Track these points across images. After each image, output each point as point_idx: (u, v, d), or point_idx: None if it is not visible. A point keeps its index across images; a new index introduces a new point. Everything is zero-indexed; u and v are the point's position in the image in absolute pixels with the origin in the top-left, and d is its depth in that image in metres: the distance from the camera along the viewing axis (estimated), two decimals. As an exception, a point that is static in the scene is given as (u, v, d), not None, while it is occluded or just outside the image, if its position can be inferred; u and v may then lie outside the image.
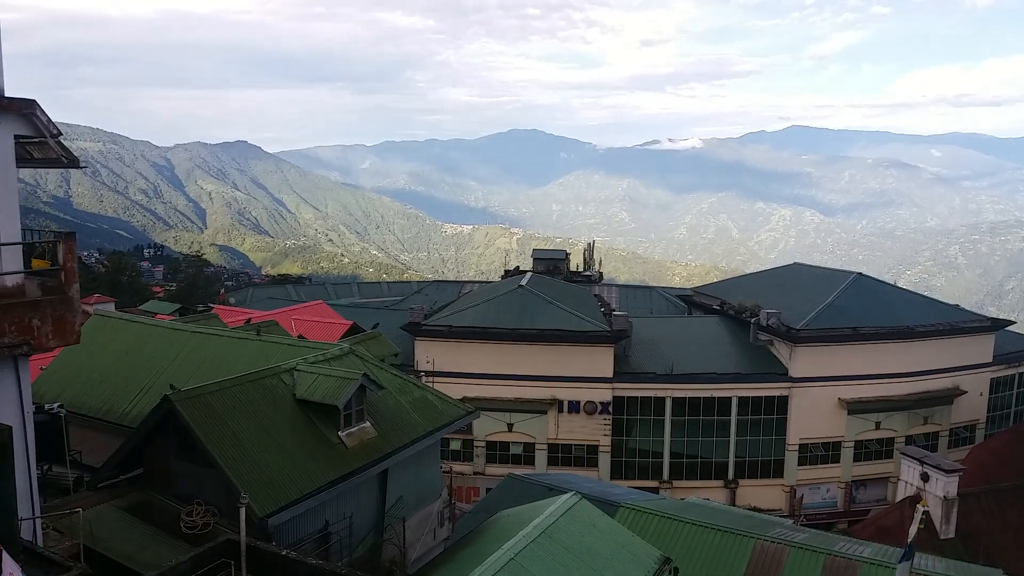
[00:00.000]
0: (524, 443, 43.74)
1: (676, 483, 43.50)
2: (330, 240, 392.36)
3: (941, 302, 55.63)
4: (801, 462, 44.54)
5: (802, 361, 44.30)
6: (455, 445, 43.15)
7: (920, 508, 15.76)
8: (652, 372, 44.44)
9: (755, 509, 35.35)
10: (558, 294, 49.82)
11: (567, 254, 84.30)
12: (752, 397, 43.99)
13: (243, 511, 13.00)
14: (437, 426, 20.01)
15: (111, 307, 41.40)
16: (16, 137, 11.97)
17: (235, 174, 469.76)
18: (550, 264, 76.93)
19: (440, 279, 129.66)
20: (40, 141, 12.70)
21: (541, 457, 43.58)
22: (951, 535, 25.88)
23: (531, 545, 13.81)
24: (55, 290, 12.02)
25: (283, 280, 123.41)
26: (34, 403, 13.53)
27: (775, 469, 44.57)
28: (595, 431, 43.37)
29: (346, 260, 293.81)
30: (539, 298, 46.82)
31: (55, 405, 17.35)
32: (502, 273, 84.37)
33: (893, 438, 45.01)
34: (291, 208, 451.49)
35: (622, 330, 44.61)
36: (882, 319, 45.76)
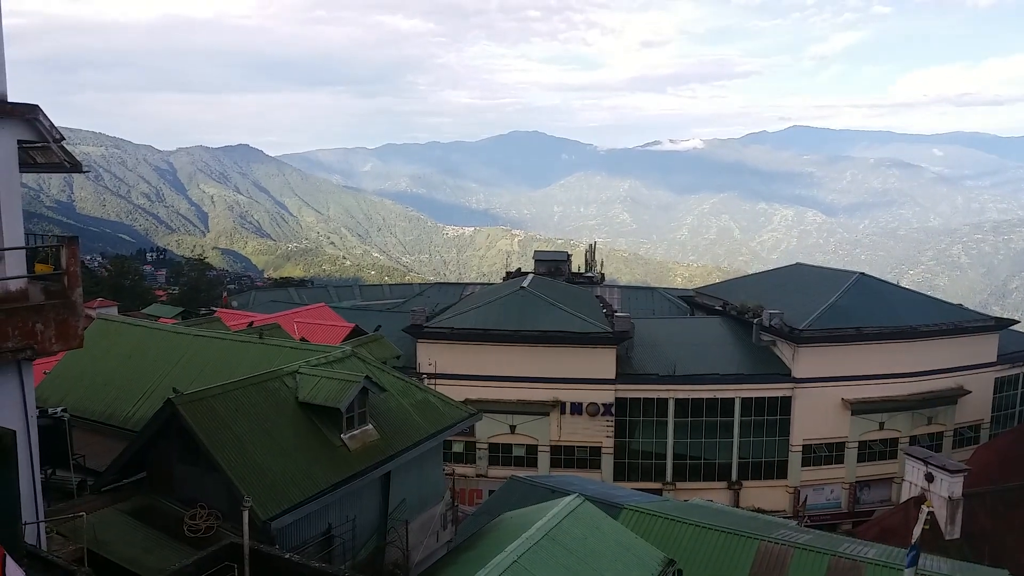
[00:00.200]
0: (527, 445, 43.75)
1: (679, 485, 43.47)
2: (332, 243, 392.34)
3: (944, 302, 55.53)
4: (805, 463, 44.50)
5: (805, 362, 44.25)
6: (458, 447, 43.13)
7: (924, 509, 15.74)
8: (655, 373, 44.43)
9: (759, 510, 35.34)
10: (560, 296, 49.82)
11: (569, 255, 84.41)
12: (755, 398, 43.96)
13: (246, 514, 13.00)
14: (439, 428, 19.96)
15: (114, 311, 41.29)
16: (19, 142, 11.98)
17: (237, 177, 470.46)
18: (552, 266, 76.98)
19: (442, 281, 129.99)
20: (43, 146, 12.71)
21: (544, 459, 43.58)
22: (956, 536, 25.80)
23: (534, 547, 13.81)
24: (58, 294, 12.03)
25: (285, 283, 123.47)
26: (38, 407, 13.56)
27: (779, 470, 44.52)
28: (598, 433, 43.35)
29: (348, 263, 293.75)
30: (541, 300, 46.83)
31: (59, 409, 17.36)
32: (504, 275, 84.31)
33: (897, 438, 44.94)
34: (293, 211, 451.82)
35: (624, 331, 44.59)
36: (885, 319, 45.69)
